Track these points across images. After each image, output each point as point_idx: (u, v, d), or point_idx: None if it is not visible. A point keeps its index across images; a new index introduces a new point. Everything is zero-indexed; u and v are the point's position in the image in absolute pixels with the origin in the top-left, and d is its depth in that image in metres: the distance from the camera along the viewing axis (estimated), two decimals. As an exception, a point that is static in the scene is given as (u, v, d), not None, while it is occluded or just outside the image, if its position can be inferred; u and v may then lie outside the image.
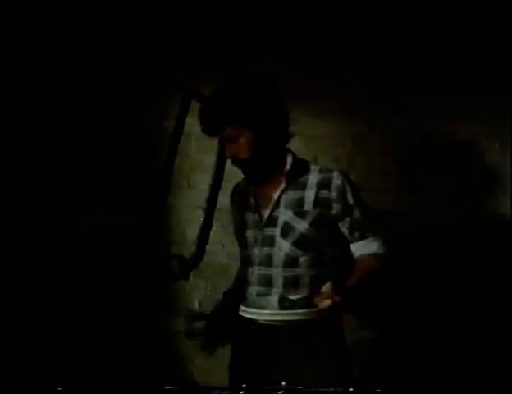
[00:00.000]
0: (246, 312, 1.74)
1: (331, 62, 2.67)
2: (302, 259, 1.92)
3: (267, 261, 1.95)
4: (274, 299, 1.82)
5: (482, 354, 2.54)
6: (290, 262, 1.92)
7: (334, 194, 1.90)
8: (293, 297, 1.77)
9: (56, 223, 2.51)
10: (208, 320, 2.03)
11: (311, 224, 1.90)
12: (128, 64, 2.62)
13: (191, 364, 2.70)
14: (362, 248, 1.94)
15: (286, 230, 1.93)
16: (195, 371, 2.68)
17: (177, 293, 2.72)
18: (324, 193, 1.91)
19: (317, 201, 1.91)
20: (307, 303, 1.72)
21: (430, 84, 2.69)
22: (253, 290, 1.98)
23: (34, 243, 2.47)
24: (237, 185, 2.14)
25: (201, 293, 2.72)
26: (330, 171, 1.94)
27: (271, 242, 1.95)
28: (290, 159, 1.96)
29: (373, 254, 1.93)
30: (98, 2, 2.54)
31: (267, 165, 1.94)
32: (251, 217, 2.02)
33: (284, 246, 1.93)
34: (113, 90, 2.61)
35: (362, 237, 1.93)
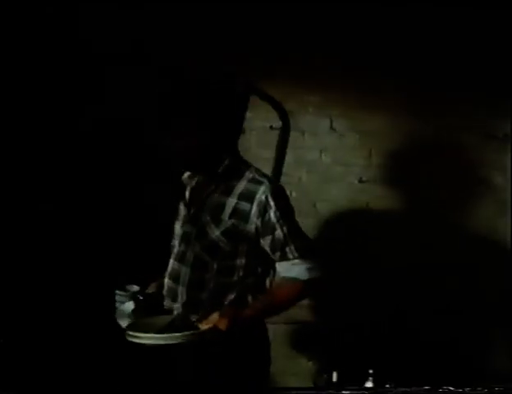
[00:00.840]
0: (128, 336, 1.70)
1: (386, 59, 2.64)
2: (209, 266, 1.86)
3: (181, 258, 1.93)
4: (166, 319, 1.81)
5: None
6: (198, 265, 1.87)
7: (255, 209, 1.80)
8: (193, 318, 1.78)
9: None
10: (137, 303, 1.92)
11: (223, 233, 1.83)
12: (191, 59, 2.49)
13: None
14: (284, 270, 1.84)
15: (200, 233, 1.88)
16: (273, 371, 2.46)
17: None
18: (244, 205, 1.82)
19: (234, 212, 1.82)
20: (186, 324, 1.73)
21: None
22: (166, 285, 1.97)
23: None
24: (184, 174, 2.08)
25: None
26: (259, 182, 1.83)
27: (187, 241, 1.92)
28: (226, 162, 1.87)
29: (293, 279, 1.82)
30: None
31: (208, 164, 1.87)
32: (182, 210, 2.00)
33: (195, 248, 1.88)
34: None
35: (283, 258, 1.82)
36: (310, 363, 2.71)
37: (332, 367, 2.40)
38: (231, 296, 1.85)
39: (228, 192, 1.86)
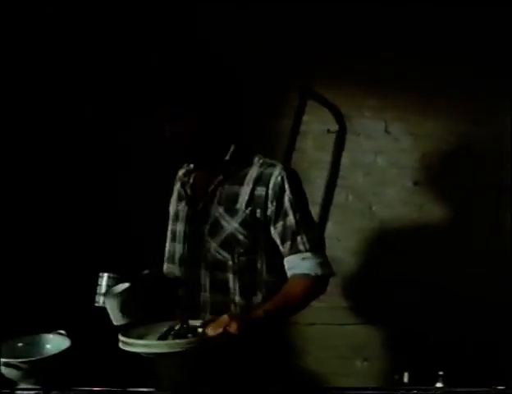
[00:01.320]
0: (122, 343, 1.48)
1: (439, 64, 2.59)
2: (229, 264, 1.71)
3: (191, 262, 1.76)
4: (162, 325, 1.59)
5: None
6: (218, 265, 1.71)
7: (271, 193, 1.68)
8: (195, 323, 1.53)
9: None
10: (132, 283, 1.70)
11: (242, 224, 1.69)
12: (246, 63, 2.49)
13: (306, 354, 2.69)
14: (293, 265, 1.68)
15: (214, 228, 1.71)
16: (310, 361, 2.68)
17: None
18: (260, 190, 1.69)
19: (252, 199, 1.69)
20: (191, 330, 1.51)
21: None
22: (182, 295, 1.79)
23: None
24: (178, 172, 1.94)
25: None
26: (273, 165, 1.72)
27: (196, 241, 1.75)
28: (231, 149, 1.75)
29: (304, 275, 1.66)
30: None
31: (208, 153, 1.74)
32: (184, 209, 1.82)
33: (210, 246, 1.71)
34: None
35: (294, 250, 1.67)
36: (365, 363, 2.73)
37: (400, 368, 2.41)
38: (259, 296, 1.72)
39: (241, 180, 1.73)
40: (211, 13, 2.53)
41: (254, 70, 2.53)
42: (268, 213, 1.69)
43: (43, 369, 1.56)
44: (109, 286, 1.71)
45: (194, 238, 1.77)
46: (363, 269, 2.71)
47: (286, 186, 1.69)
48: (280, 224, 1.70)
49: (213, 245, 1.72)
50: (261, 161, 1.75)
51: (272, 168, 1.71)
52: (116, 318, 1.66)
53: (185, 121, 1.69)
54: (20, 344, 1.67)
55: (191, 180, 1.86)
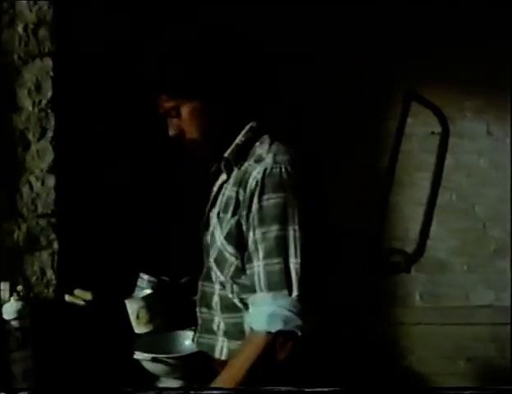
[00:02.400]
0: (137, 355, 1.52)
1: None
2: (227, 285, 1.35)
3: (205, 276, 1.44)
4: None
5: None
6: (218, 285, 1.38)
7: (246, 198, 1.29)
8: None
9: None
10: (157, 288, 1.59)
11: (227, 237, 1.32)
12: (352, 65, 2.57)
13: (410, 353, 2.72)
14: (251, 310, 1.28)
15: (212, 241, 1.39)
16: (414, 360, 2.71)
17: (399, 285, 2.74)
18: (241, 193, 1.31)
19: (237, 205, 1.32)
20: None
21: None
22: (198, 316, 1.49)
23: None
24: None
25: (421, 286, 2.74)
26: (261, 160, 1.31)
27: (206, 253, 1.44)
28: (237, 141, 1.36)
29: (251, 329, 1.25)
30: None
31: (214, 148, 1.39)
32: (204, 216, 1.49)
33: (210, 262, 1.40)
34: (337, 91, 2.57)
35: (251, 284, 1.27)
36: (468, 363, 2.74)
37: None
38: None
39: (239, 180, 1.35)
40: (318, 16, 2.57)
41: (360, 72, 2.58)
42: (244, 225, 1.30)
43: (189, 365, 1.59)
44: (139, 289, 1.64)
45: (204, 251, 1.47)
46: (467, 269, 2.72)
47: (257, 192, 1.26)
48: (249, 239, 1.29)
49: (211, 261, 1.39)
50: (258, 153, 1.35)
51: (257, 165, 1.31)
52: (134, 325, 1.59)
53: (183, 112, 1.34)
54: (155, 340, 1.66)
55: (214, 181, 1.51)
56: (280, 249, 1.23)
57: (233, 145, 1.37)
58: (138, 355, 1.58)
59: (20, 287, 1.64)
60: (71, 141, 1.83)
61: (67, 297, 1.72)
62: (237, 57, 1.37)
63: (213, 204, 1.43)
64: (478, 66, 2.62)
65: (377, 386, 1.86)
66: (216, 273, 1.38)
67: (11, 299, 1.61)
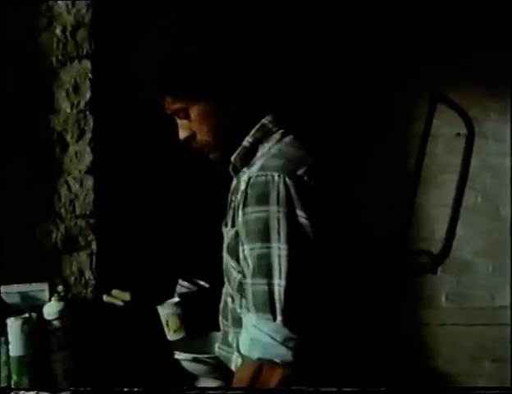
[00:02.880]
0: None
1: None
2: (236, 299, 1.26)
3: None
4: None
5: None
6: (230, 297, 1.30)
7: (237, 207, 1.19)
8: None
9: None
10: (193, 294, 1.56)
11: (228, 249, 1.24)
12: (379, 66, 2.56)
13: (436, 354, 2.71)
14: (242, 331, 1.18)
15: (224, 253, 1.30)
16: (440, 361, 2.70)
17: (425, 286, 2.73)
18: (234, 202, 1.24)
19: (234, 214, 1.23)
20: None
21: None
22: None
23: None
24: None
25: (447, 287, 2.73)
26: (252, 164, 1.22)
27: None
28: (244, 142, 1.24)
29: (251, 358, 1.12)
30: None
31: (226, 150, 1.26)
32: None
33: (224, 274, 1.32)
34: (363, 93, 2.56)
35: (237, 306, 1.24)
36: (494, 364, 2.74)
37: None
38: None
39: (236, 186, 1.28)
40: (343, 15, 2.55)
41: (387, 73, 2.58)
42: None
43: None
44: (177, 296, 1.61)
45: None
46: (492, 270, 2.72)
47: (241, 204, 1.15)
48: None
49: (224, 275, 1.31)
50: (258, 154, 1.23)
51: (249, 170, 1.22)
52: (165, 332, 1.58)
53: (192, 114, 1.23)
54: (192, 340, 1.63)
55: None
56: (264, 268, 1.10)
57: (240, 147, 1.24)
58: (178, 355, 1.59)
59: (60, 288, 1.65)
60: (110, 142, 1.85)
61: (105, 297, 1.73)
62: (248, 52, 1.23)
63: (226, 214, 1.33)
64: (503, 68, 2.59)
65: (403, 386, 1.85)
66: (227, 285, 1.31)
67: (52, 299, 1.63)
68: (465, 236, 2.72)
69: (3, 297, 1.61)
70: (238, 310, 1.26)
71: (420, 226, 2.74)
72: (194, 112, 1.22)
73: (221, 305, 1.38)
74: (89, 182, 1.75)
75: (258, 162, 1.19)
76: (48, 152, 1.73)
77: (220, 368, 1.54)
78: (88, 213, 1.75)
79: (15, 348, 1.55)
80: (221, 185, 1.49)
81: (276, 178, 1.11)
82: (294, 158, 1.17)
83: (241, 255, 1.15)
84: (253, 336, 1.11)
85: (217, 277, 1.44)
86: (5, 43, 1.70)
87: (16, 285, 1.66)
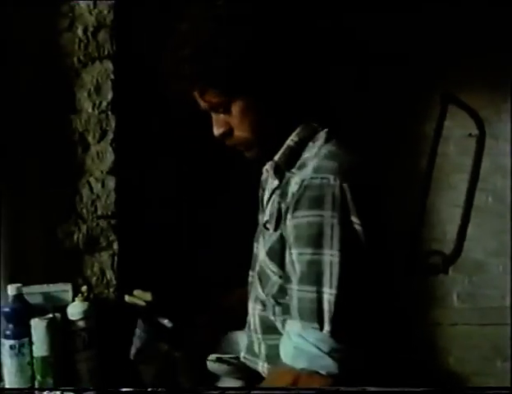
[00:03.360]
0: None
1: None
2: (268, 305, 1.21)
3: (251, 295, 1.31)
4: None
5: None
6: (261, 303, 1.24)
7: (285, 209, 1.15)
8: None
9: None
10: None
11: (268, 253, 1.18)
12: (390, 68, 2.55)
13: (448, 354, 2.74)
14: (283, 337, 1.14)
15: (257, 256, 1.27)
16: (452, 361, 2.72)
17: (437, 286, 2.76)
18: (283, 206, 1.17)
19: (279, 217, 1.17)
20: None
21: None
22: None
23: None
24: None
25: (459, 287, 2.76)
26: (305, 165, 1.16)
27: (253, 265, 1.31)
28: (288, 141, 1.20)
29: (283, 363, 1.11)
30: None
31: (273, 147, 1.21)
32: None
33: (254, 276, 1.29)
34: (374, 94, 2.56)
35: (285, 308, 1.16)
36: (505, 364, 2.74)
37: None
38: None
39: (284, 188, 1.20)
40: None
41: (398, 74, 2.58)
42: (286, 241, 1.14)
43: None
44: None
45: (252, 261, 1.33)
46: (502, 270, 2.73)
47: (292, 207, 1.10)
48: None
49: (255, 276, 1.27)
50: (306, 155, 1.18)
51: (300, 171, 1.15)
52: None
53: (233, 110, 1.17)
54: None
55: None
56: (313, 275, 1.07)
57: (284, 146, 1.19)
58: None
59: (84, 288, 1.65)
60: (132, 142, 1.85)
61: (127, 298, 1.72)
62: (300, 49, 1.19)
63: (264, 211, 1.29)
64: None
65: (416, 385, 1.85)
66: (257, 290, 1.24)
67: (76, 299, 1.63)
68: (477, 237, 2.74)
69: (26, 298, 1.60)
70: (271, 318, 1.22)
71: (432, 227, 2.76)
72: (236, 106, 1.16)
73: (250, 314, 1.32)
74: (111, 183, 1.74)
75: (310, 164, 1.13)
76: (69, 152, 1.73)
77: (243, 368, 1.54)
78: (109, 213, 1.75)
79: (39, 349, 1.54)
80: (243, 184, 1.50)
81: (332, 182, 1.07)
82: (348, 161, 1.13)
83: (287, 259, 1.11)
84: (296, 344, 1.08)
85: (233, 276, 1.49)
86: (27, 44, 1.70)
87: (38, 285, 1.66)
